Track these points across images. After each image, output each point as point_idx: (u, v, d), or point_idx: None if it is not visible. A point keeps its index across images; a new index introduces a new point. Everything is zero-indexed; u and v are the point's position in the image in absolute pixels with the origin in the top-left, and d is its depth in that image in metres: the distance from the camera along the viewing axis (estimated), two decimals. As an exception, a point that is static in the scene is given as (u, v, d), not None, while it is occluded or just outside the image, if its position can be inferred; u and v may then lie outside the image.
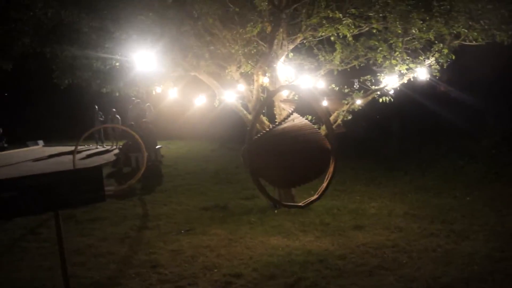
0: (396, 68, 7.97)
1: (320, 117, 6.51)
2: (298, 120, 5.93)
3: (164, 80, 9.27)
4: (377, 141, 17.28)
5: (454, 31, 7.50)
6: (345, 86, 8.84)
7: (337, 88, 8.88)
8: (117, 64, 8.42)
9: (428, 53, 8.15)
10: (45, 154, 18.90)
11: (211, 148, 18.38)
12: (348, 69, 9.39)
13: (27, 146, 21.79)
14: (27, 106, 27.64)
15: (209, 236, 7.55)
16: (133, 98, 17.33)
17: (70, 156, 11.96)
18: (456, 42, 7.91)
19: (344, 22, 7.90)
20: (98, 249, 7.17)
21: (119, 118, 19.04)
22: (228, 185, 11.61)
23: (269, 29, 8.07)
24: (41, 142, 22.29)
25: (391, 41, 7.86)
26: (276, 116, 8.62)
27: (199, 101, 9.99)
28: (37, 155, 18.61)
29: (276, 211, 8.51)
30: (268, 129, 5.50)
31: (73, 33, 7.62)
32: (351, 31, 8.17)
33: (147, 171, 12.34)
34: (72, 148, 11.90)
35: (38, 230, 8.16)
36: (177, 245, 7.16)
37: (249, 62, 8.17)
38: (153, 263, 6.48)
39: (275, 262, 6.24)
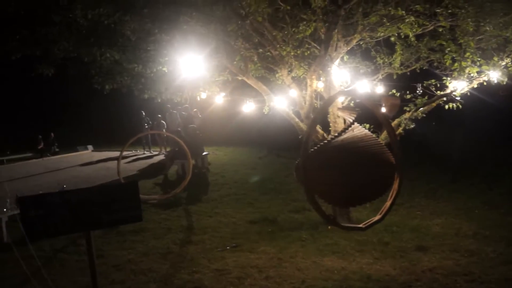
0: (466, 70, 7.14)
1: (383, 126, 5.82)
2: (358, 130, 5.25)
3: (209, 85, 8.77)
4: (436, 149, 16.22)
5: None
6: (407, 92, 8.06)
7: (398, 94, 8.11)
8: (160, 68, 7.99)
9: (501, 53, 7.27)
10: (94, 159, 18.91)
11: (258, 156, 17.80)
12: (408, 73, 8.62)
13: (77, 150, 22.01)
14: (78, 111, 28.13)
15: (257, 254, 6.97)
16: (168, 106, 17.12)
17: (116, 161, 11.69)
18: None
19: (406, 20, 7.17)
20: (139, 265, 6.75)
21: (165, 123, 18.82)
22: (277, 195, 10.99)
23: (322, 30, 7.45)
24: (90, 147, 22.44)
25: (461, 41, 7.04)
26: (331, 125, 7.94)
27: (247, 108, 9.41)
28: (86, 160, 18.63)
29: (329, 227, 7.81)
30: (326, 141, 4.85)
31: (113, 36, 7.26)
32: (414, 30, 7.43)
33: (193, 179, 11.93)
34: (119, 153, 11.65)
35: (80, 241, 7.80)
36: (222, 264, 6.61)
37: (302, 65, 7.54)
38: (196, 284, 5.97)
39: (330, 289, 5.58)
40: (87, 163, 17.71)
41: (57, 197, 4.51)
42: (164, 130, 18.09)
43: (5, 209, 8.24)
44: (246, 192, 11.47)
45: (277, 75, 8.52)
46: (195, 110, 17.65)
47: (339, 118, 7.94)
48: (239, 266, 6.47)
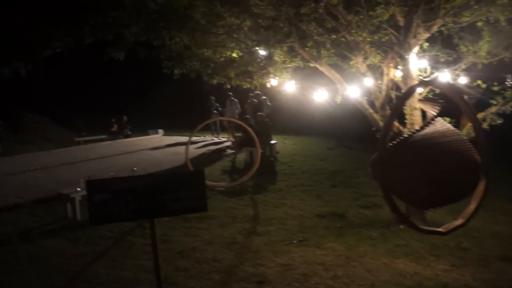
0: None
1: (465, 120, 5.29)
2: (439, 124, 4.77)
3: (280, 72, 8.45)
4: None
5: None
6: (494, 83, 7.36)
7: (484, 86, 7.43)
8: (229, 53, 7.79)
9: None
10: (163, 143, 19.27)
11: (328, 146, 17.36)
12: (495, 63, 7.88)
13: (148, 134, 22.54)
14: (151, 95, 28.86)
15: (324, 250, 6.64)
16: (230, 93, 17.07)
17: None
18: None
19: (498, 2, 6.47)
20: (203, 254, 6.63)
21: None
22: (346, 189, 10.56)
23: (401, 14, 6.91)
24: (161, 131, 22.90)
25: None
26: (407, 117, 7.40)
27: (319, 96, 9.01)
28: (156, 144, 19.00)
29: (401, 227, 7.32)
30: (406, 136, 4.43)
31: (182, 20, 7.12)
32: (505, 13, 6.70)
33: (261, 168, 11.75)
34: (192, 138, 11.69)
35: (146, 225, 7.80)
36: (288, 258, 6.35)
37: (378, 52, 7.05)
38: (259, 277, 5.74)
39: (402, 295, 5.17)
40: (157, 147, 18.06)
41: (123, 183, 4.48)
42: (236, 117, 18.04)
43: (78, 189, 8.45)
44: (314, 184, 11.13)
45: (351, 63, 8.06)
46: (264, 97, 17.46)
47: (416, 110, 7.40)
48: (305, 262, 6.19)
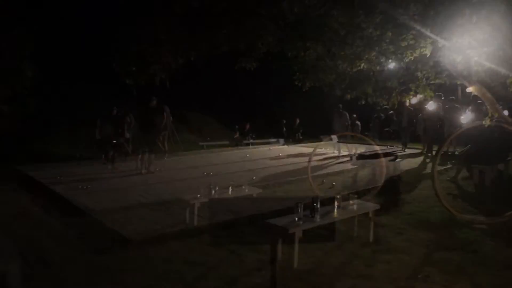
0: None
1: None
2: None
3: (423, 89, 7.67)
4: None
5: None
6: None
7: None
8: (367, 66, 7.26)
9: None
10: (284, 153, 19.15)
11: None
12: None
13: (269, 143, 22.75)
14: (274, 104, 29.25)
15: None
16: (340, 105, 16.15)
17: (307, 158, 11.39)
18: None
19: None
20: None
21: (359, 124, 18.11)
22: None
23: None
24: (281, 141, 22.98)
25: None
26: None
27: (465, 119, 8.08)
28: (277, 153, 18.95)
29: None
30: None
31: (318, 30, 6.76)
32: None
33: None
34: (311, 150, 11.30)
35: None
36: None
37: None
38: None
39: None
40: (278, 157, 17.96)
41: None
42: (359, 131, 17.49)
43: (198, 195, 8.48)
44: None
45: (508, 81, 7.09)
46: (391, 112, 16.73)
47: None
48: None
